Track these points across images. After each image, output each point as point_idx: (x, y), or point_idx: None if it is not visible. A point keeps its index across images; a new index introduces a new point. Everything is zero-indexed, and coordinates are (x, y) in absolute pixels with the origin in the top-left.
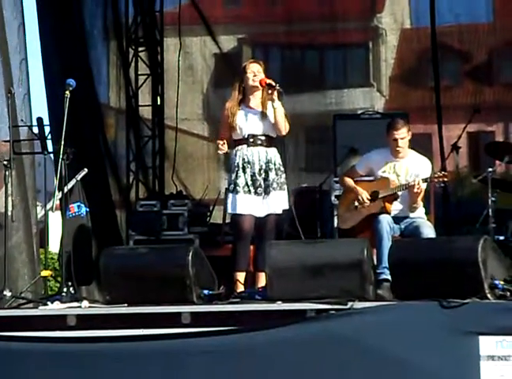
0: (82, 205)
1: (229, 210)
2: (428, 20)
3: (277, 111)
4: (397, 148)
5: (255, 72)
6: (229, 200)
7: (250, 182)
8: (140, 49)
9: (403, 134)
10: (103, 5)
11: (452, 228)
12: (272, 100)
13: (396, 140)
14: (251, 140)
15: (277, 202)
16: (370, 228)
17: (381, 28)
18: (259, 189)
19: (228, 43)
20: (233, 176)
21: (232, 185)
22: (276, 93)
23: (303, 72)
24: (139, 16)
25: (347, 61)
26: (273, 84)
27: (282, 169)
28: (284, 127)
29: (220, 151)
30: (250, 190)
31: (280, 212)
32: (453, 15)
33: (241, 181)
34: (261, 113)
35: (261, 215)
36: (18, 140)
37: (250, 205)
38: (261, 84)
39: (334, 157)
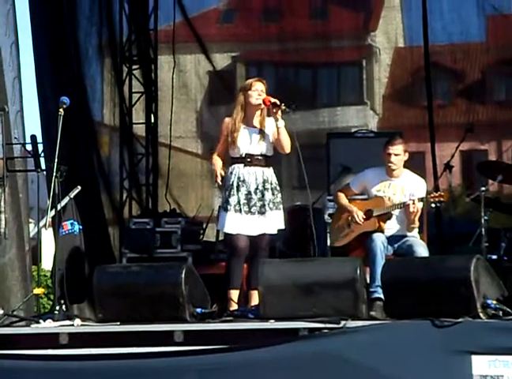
0: (75, 223)
1: (218, 227)
2: (421, 39)
3: (281, 130)
4: (389, 164)
5: (259, 91)
6: (220, 218)
7: (243, 201)
8: (134, 67)
9: (398, 151)
10: (97, 24)
11: (445, 247)
12: (276, 119)
13: (389, 154)
14: (248, 159)
15: (272, 222)
16: (364, 246)
17: (374, 47)
18: (253, 208)
19: (222, 60)
20: (226, 194)
21: (225, 204)
22: (280, 112)
23: (297, 90)
24: (133, 35)
25: (340, 80)
26: (278, 103)
27: (278, 188)
28: (288, 145)
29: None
30: (241, 209)
31: (274, 232)
32: (447, 34)
33: (233, 199)
34: (259, 132)
35: (253, 234)
36: (11, 157)
37: (239, 224)
38: (264, 103)
39: (328, 175)
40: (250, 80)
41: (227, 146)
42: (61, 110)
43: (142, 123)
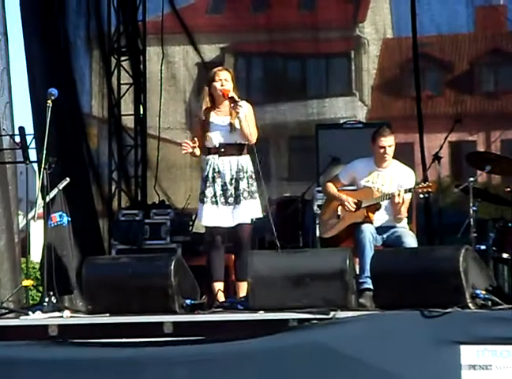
0: (64, 215)
1: (197, 219)
2: (410, 31)
3: (242, 123)
4: (385, 155)
5: (223, 80)
6: (198, 210)
7: (219, 193)
8: (122, 58)
9: (390, 142)
10: (86, 15)
11: (434, 237)
12: (237, 113)
13: (383, 147)
14: (222, 149)
15: (247, 212)
16: (353, 237)
17: (363, 38)
18: (230, 198)
19: (211, 52)
20: (203, 186)
21: (201, 195)
22: (238, 107)
23: (285, 81)
24: (122, 26)
25: (329, 71)
26: (236, 98)
27: (254, 177)
28: (252, 135)
29: (183, 151)
30: (217, 201)
31: (248, 221)
32: (435, 25)
33: (209, 191)
34: (229, 122)
35: (229, 225)
36: (0, 149)
37: (215, 216)
38: (223, 94)
39: (317, 166)
40: (214, 70)
41: (203, 138)
42: (49, 101)
43: (131, 115)
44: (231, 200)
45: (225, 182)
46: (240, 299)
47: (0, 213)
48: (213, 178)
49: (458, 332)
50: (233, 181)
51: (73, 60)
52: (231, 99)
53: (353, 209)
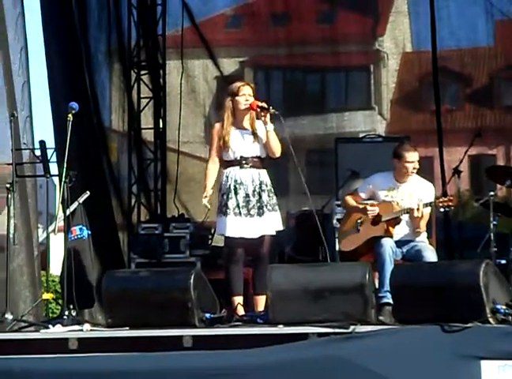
0: (84, 228)
1: (217, 232)
2: (429, 44)
3: (270, 134)
4: (413, 171)
5: (247, 95)
6: (219, 222)
7: (242, 204)
8: (142, 72)
9: (416, 157)
10: (107, 30)
11: (453, 252)
12: (265, 123)
13: (412, 162)
14: (244, 162)
15: (271, 223)
16: (373, 251)
17: (382, 52)
18: (252, 210)
19: (230, 66)
20: (224, 198)
21: (223, 208)
22: (269, 116)
23: (305, 95)
24: (142, 40)
25: (348, 85)
26: (266, 106)
27: (273, 190)
28: (278, 149)
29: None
30: (240, 212)
31: (273, 233)
32: (454, 39)
33: (232, 203)
34: (252, 134)
35: (253, 236)
36: (21, 162)
37: (239, 228)
38: (252, 107)
39: (336, 180)
40: (237, 85)
41: (221, 151)
42: (70, 115)
43: (151, 128)
44: (253, 211)
45: (247, 194)
46: (260, 313)
47: (19, 227)
48: (235, 189)
49: (479, 347)
50: (255, 193)
51: (93, 74)
52: (262, 108)
53: (376, 213)
